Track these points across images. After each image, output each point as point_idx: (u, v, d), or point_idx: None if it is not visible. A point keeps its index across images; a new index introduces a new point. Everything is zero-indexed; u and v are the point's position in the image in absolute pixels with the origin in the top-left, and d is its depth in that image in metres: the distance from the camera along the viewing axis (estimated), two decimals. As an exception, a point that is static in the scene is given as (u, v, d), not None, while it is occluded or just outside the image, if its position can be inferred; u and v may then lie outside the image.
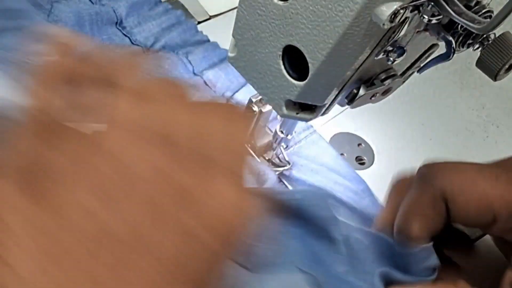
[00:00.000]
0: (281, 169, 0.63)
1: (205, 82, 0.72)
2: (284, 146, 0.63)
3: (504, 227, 0.51)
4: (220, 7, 0.79)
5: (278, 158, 0.64)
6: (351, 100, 0.50)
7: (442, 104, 0.77)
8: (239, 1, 0.46)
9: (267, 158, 0.64)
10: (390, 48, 0.44)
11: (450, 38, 0.44)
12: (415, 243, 0.56)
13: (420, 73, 0.52)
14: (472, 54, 0.46)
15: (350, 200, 0.63)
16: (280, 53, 0.45)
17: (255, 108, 0.60)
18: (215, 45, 0.76)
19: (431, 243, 0.52)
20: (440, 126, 0.74)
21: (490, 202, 0.51)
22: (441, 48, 0.48)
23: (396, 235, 0.57)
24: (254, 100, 0.60)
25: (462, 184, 0.54)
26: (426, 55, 0.51)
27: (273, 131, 0.62)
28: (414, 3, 0.39)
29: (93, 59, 0.40)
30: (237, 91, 0.72)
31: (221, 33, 0.74)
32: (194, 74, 0.73)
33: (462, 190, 0.53)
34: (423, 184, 0.54)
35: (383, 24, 0.39)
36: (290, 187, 0.64)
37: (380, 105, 0.56)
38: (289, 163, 0.64)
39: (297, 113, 0.49)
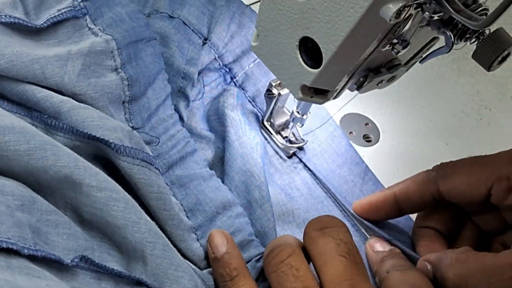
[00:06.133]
0: (295, 145, 0.63)
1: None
2: (300, 126, 0.62)
3: (499, 199, 0.50)
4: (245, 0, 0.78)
5: (294, 135, 0.63)
6: (360, 86, 0.50)
7: (441, 89, 0.76)
8: (262, -3, 0.46)
9: (284, 135, 0.63)
10: (396, 41, 0.44)
11: (449, 34, 0.43)
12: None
13: (422, 63, 0.51)
14: (468, 45, 0.46)
15: (353, 183, 0.63)
16: (297, 43, 0.45)
17: (275, 91, 0.60)
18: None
19: None
20: (439, 109, 0.73)
21: (481, 177, 0.50)
22: (441, 41, 0.47)
23: None
24: (273, 84, 0.60)
25: (454, 166, 0.53)
26: (428, 47, 0.50)
27: (290, 111, 0.61)
28: (417, 1, 0.39)
29: None
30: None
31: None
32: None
33: (454, 170, 0.52)
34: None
35: (390, 20, 0.38)
36: (305, 162, 0.63)
37: (386, 89, 0.55)
38: (303, 140, 0.63)
39: (311, 97, 0.49)
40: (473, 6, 0.41)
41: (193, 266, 0.50)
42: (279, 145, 0.63)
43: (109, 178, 0.46)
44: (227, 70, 0.67)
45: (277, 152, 0.63)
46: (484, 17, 0.39)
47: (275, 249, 0.48)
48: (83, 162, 0.45)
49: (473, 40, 0.44)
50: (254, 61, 0.67)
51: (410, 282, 0.47)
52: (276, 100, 0.60)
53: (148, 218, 0.47)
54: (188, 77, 0.60)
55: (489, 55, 0.43)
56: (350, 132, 0.69)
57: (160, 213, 0.49)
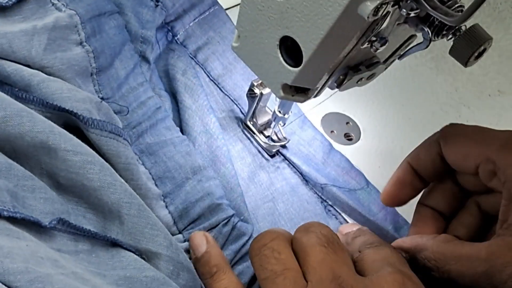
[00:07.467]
0: (278, 144, 0.63)
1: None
2: (282, 124, 0.63)
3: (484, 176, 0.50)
4: (226, 3, 0.78)
5: (276, 134, 0.64)
6: (340, 84, 0.50)
7: (420, 87, 0.77)
8: (242, -2, 0.46)
9: (266, 134, 0.64)
10: (374, 38, 0.44)
11: (427, 29, 0.44)
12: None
13: (400, 60, 0.52)
14: (446, 44, 0.46)
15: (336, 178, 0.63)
16: (278, 43, 0.45)
17: (257, 91, 0.60)
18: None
19: None
20: (418, 107, 0.74)
21: (473, 153, 0.50)
22: (419, 38, 0.48)
23: None
24: (255, 83, 0.60)
25: (457, 131, 0.53)
26: (406, 44, 0.50)
27: (272, 110, 0.62)
28: (394, -2, 0.39)
29: None
30: None
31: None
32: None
33: (455, 136, 0.52)
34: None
35: (367, 17, 0.38)
36: (288, 159, 0.64)
37: (366, 88, 0.56)
38: (285, 139, 0.64)
39: (292, 95, 0.49)
40: (449, 2, 0.41)
41: None
42: (262, 144, 0.63)
43: (83, 143, 0.47)
44: (169, 28, 0.68)
45: (259, 152, 0.64)
46: (460, 13, 0.40)
47: (260, 235, 0.49)
48: (58, 128, 0.46)
49: (450, 36, 0.45)
50: (194, 19, 0.69)
51: (386, 260, 0.47)
52: (258, 100, 0.61)
53: (123, 180, 0.47)
54: (147, 40, 0.61)
55: (465, 50, 0.44)
56: (332, 131, 0.70)
57: (128, 183, 0.50)
